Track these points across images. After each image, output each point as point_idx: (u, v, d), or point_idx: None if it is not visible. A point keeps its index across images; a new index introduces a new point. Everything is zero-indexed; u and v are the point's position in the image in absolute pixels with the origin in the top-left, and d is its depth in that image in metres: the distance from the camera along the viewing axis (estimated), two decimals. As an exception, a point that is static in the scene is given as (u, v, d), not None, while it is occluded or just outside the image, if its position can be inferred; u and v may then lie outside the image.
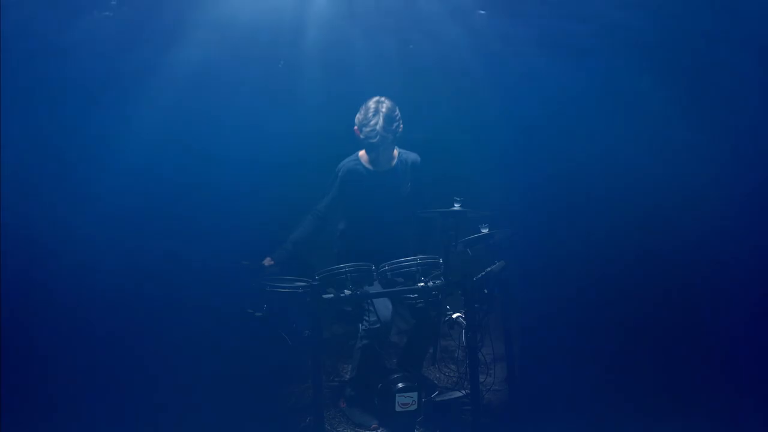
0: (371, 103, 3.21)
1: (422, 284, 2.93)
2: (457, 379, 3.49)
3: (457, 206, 3.10)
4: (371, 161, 3.34)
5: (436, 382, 3.69)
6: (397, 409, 2.91)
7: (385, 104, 3.21)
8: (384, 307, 3.14)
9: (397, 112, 3.24)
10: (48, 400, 3.09)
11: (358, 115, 3.24)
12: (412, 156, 3.46)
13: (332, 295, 2.85)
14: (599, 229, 3.74)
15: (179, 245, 3.48)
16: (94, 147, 3.44)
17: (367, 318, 3.07)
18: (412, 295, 2.99)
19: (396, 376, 3.01)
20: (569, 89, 3.83)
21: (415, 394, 2.93)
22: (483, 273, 3.07)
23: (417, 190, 3.45)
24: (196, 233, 3.57)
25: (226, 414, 3.14)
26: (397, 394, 2.91)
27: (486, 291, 3.07)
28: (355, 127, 3.26)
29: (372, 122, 3.15)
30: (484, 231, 3.18)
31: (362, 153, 3.38)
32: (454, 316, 3.28)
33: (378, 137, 3.15)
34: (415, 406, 2.94)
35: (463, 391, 3.26)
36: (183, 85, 3.58)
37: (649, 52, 3.78)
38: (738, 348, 3.42)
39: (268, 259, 3.32)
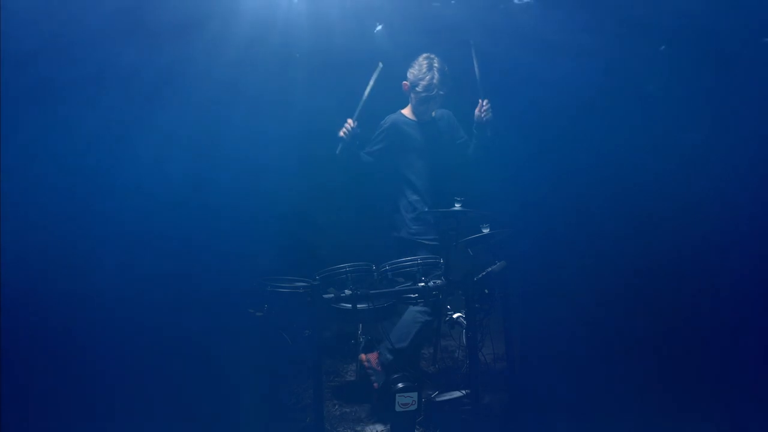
0: (423, 60, 3.38)
1: (422, 284, 2.93)
2: (458, 379, 3.49)
3: (457, 206, 3.10)
4: (417, 114, 3.51)
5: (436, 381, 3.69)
6: (397, 409, 2.91)
7: (437, 60, 3.38)
8: None
9: (447, 68, 3.40)
10: (48, 400, 3.08)
11: (411, 71, 3.41)
12: (445, 110, 3.62)
13: (332, 295, 2.85)
14: (600, 229, 3.75)
15: (179, 246, 3.48)
16: (94, 149, 3.44)
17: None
18: (412, 295, 2.99)
19: (396, 376, 3.01)
20: (571, 89, 3.83)
21: (415, 394, 2.93)
22: (483, 273, 3.07)
23: (455, 138, 3.62)
24: (197, 234, 3.57)
25: (227, 413, 3.14)
26: (397, 394, 2.91)
27: (486, 291, 3.07)
28: (406, 83, 3.45)
29: (428, 77, 3.33)
30: (485, 231, 3.18)
31: (405, 109, 3.55)
32: (455, 316, 3.29)
33: (435, 91, 3.34)
34: (415, 406, 2.93)
35: (463, 391, 3.26)
36: (187, 87, 3.58)
37: (652, 53, 3.79)
38: (740, 350, 3.42)
39: (354, 122, 3.38)
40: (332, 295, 2.85)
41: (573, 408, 3.18)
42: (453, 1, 4.03)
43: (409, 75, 3.42)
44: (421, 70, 3.35)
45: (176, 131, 3.61)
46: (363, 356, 3.38)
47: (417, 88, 3.38)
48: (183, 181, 3.61)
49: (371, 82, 3.35)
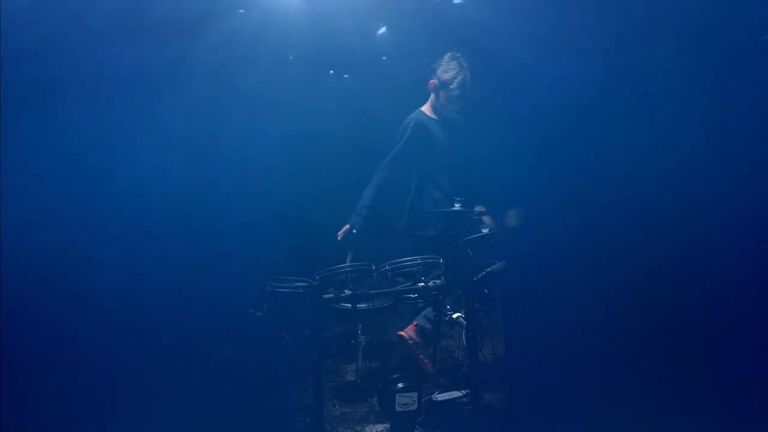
0: (452, 59, 3.47)
1: (422, 284, 2.94)
2: (458, 379, 3.49)
3: (457, 206, 3.10)
4: (441, 112, 3.59)
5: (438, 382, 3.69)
6: (397, 409, 2.91)
7: (463, 58, 3.49)
8: None
9: None
10: (48, 400, 3.08)
11: (441, 69, 3.49)
12: (458, 114, 3.73)
13: (332, 295, 2.85)
14: (600, 229, 3.74)
15: (180, 247, 3.48)
16: (94, 149, 3.44)
17: None
18: (412, 295, 2.99)
19: (396, 376, 3.01)
20: (571, 90, 3.83)
21: (415, 394, 2.93)
22: (483, 273, 3.07)
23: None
24: (197, 234, 3.57)
25: (227, 413, 3.14)
26: (397, 394, 2.91)
27: (486, 291, 3.07)
28: (434, 81, 3.52)
29: (461, 75, 3.45)
30: (485, 231, 3.18)
31: (424, 108, 3.62)
32: (454, 316, 3.29)
33: (467, 88, 3.47)
34: (415, 406, 2.93)
35: (463, 391, 3.26)
36: (187, 87, 3.58)
37: (652, 53, 3.79)
38: (740, 350, 3.42)
39: (346, 227, 3.49)
40: (332, 295, 2.86)
41: (573, 408, 3.18)
42: (456, 1, 4.03)
43: (441, 74, 3.49)
44: (454, 68, 3.44)
45: (176, 131, 3.61)
46: (401, 333, 3.40)
47: (451, 86, 3.46)
48: (183, 182, 3.61)
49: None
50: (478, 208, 3.55)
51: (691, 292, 3.65)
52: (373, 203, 3.53)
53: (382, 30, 4.17)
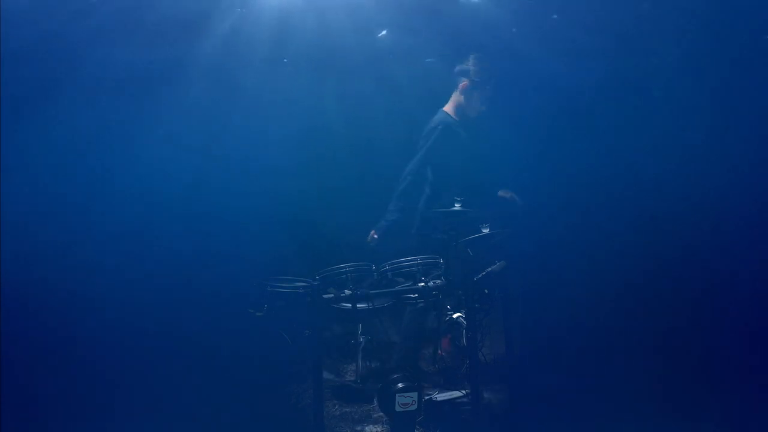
0: (480, 60, 3.51)
1: (422, 284, 2.94)
2: (458, 379, 3.49)
3: (457, 206, 3.10)
4: (467, 113, 3.61)
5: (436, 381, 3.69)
6: (397, 409, 2.91)
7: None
8: None
9: None
10: (48, 400, 3.08)
11: (475, 70, 3.51)
12: None
13: (332, 295, 2.85)
14: (600, 229, 3.74)
15: (179, 246, 3.48)
16: (94, 149, 3.44)
17: None
18: (412, 295, 2.99)
19: (396, 376, 3.01)
20: (572, 90, 3.83)
21: (415, 394, 2.93)
22: (483, 273, 3.07)
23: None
24: (197, 234, 3.57)
25: (227, 414, 3.14)
26: (397, 394, 2.91)
27: (486, 291, 3.07)
28: (465, 81, 3.53)
29: (495, 77, 3.51)
30: (485, 231, 3.18)
31: (447, 109, 3.62)
32: (455, 316, 3.28)
33: (499, 89, 3.53)
34: (415, 406, 2.93)
35: (463, 391, 3.26)
36: (187, 87, 3.58)
37: (655, 54, 3.79)
38: (741, 350, 3.42)
39: (372, 232, 3.50)
40: (332, 295, 2.86)
41: (573, 408, 3.18)
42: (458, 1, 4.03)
43: (474, 75, 3.51)
44: (488, 69, 3.48)
45: (176, 131, 3.61)
46: (441, 353, 3.44)
47: (487, 86, 3.51)
48: (183, 182, 3.61)
49: None
50: (501, 192, 3.63)
51: (691, 291, 3.65)
52: (402, 207, 3.52)
53: (383, 30, 4.16)
